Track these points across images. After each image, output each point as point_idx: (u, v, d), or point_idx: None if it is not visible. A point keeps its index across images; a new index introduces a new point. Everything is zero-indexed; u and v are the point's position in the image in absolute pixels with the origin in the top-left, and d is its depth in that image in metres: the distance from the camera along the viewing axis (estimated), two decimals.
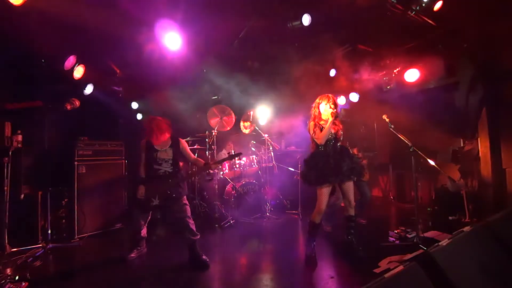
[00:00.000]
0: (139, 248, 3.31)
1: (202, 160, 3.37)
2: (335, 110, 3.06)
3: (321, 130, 3.04)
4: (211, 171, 4.75)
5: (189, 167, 4.94)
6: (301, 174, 3.26)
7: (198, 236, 3.10)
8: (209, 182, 5.06)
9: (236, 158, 5.21)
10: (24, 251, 3.35)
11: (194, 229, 3.09)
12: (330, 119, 3.00)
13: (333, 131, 3.11)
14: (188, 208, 3.15)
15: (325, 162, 3.02)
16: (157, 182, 3.09)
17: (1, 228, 3.20)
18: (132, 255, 3.22)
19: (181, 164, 3.38)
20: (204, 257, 3.05)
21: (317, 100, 3.18)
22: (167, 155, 3.16)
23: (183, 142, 3.34)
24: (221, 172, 5.11)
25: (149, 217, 3.33)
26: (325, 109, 3.10)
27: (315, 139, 3.07)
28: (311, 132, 3.09)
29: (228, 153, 5.37)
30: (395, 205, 5.87)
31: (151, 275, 2.84)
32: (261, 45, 4.94)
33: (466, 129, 4.63)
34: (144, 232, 3.33)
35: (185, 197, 3.18)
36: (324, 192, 3.01)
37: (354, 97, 5.88)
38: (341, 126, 3.19)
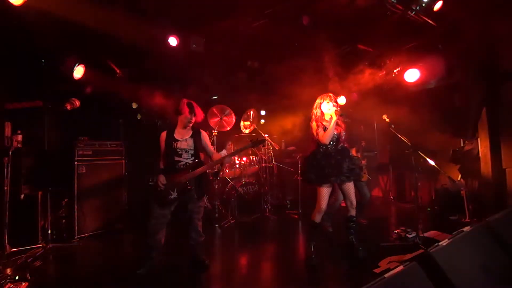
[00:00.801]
0: (150, 260, 2.87)
1: (218, 154, 3.11)
2: (338, 108, 3.05)
3: (325, 130, 3.03)
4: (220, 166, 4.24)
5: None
6: (301, 173, 3.25)
7: (203, 238, 3.02)
8: (214, 178, 4.92)
9: (237, 158, 5.22)
10: (24, 251, 3.34)
11: (201, 230, 3.00)
12: (334, 118, 2.98)
13: (335, 132, 3.09)
14: (203, 210, 3.05)
15: (326, 161, 3.02)
16: (177, 174, 2.85)
17: (1, 228, 3.20)
18: (142, 270, 2.81)
19: (201, 156, 3.11)
20: (204, 258, 3.02)
21: (318, 100, 3.15)
22: (187, 145, 2.93)
23: (204, 132, 3.13)
24: (221, 172, 5.11)
25: (169, 217, 2.87)
26: (328, 108, 3.07)
27: (319, 139, 3.04)
28: (315, 132, 3.07)
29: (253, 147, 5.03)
30: (395, 205, 5.87)
31: (151, 275, 2.83)
32: (261, 45, 4.94)
33: (466, 129, 4.63)
34: (160, 238, 2.86)
35: (204, 198, 3.04)
36: (324, 191, 3.01)
37: (353, 97, 5.88)
38: (343, 126, 3.18)
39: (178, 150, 2.90)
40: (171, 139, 2.93)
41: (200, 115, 3.03)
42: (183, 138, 2.96)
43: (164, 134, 2.99)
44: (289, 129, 5.87)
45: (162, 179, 2.84)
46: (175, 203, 2.86)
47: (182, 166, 2.89)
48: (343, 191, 3.15)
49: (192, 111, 2.93)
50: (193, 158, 2.94)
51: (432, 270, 1.63)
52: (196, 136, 3.02)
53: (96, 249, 3.74)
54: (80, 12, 3.40)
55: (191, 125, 2.99)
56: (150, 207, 2.87)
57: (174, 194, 2.82)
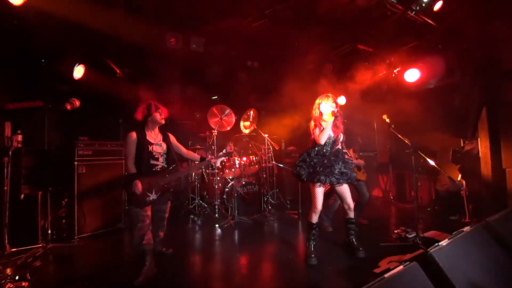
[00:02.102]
0: (146, 266, 2.76)
1: (196, 154, 3.34)
2: (336, 109, 3.05)
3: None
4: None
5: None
6: (293, 170, 3.23)
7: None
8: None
9: (237, 158, 5.23)
10: (24, 251, 3.34)
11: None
12: (331, 118, 2.99)
13: (333, 134, 3.09)
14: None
15: (319, 160, 3.02)
16: (154, 177, 2.88)
17: (1, 228, 3.20)
18: (140, 278, 2.67)
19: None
20: (165, 249, 3.27)
21: (317, 101, 3.15)
22: (162, 149, 3.00)
23: (172, 135, 3.21)
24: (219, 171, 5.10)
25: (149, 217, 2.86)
26: (327, 108, 3.08)
27: (315, 139, 3.05)
28: (311, 132, 3.08)
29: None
30: (395, 205, 5.87)
31: (150, 280, 2.82)
32: (261, 45, 4.94)
33: (466, 129, 4.63)
34: (148, 238, 2.79)
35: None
36: (319, 191, 3.01)
37: (352, 97, 5.88)
38: (341, 128, 3.17)
39: (154, 153, 2.94)
40: (145, 141, 2.90)
41: (165, 113, 3.07)
42: (157, 142, 3.01)
43: (134, 135, 2.88)
44: (289, 129, 5.87)
45: (139, 185, 2.74)
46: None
47: (159, 169, 2.95)
48: (339, 194, 3.15)
49: (161, 111, 3.01)
50: (166, 162, 3.03)
51: (432, 270, 1.63)
52: (167, 140, 3.09)
53: (96, 249, 3.74)
54: (80, 12, 3.41)
55: (162, 124, 3.05)
56: (131, 214, 2.90)
57: (152, 196, 2.85)
